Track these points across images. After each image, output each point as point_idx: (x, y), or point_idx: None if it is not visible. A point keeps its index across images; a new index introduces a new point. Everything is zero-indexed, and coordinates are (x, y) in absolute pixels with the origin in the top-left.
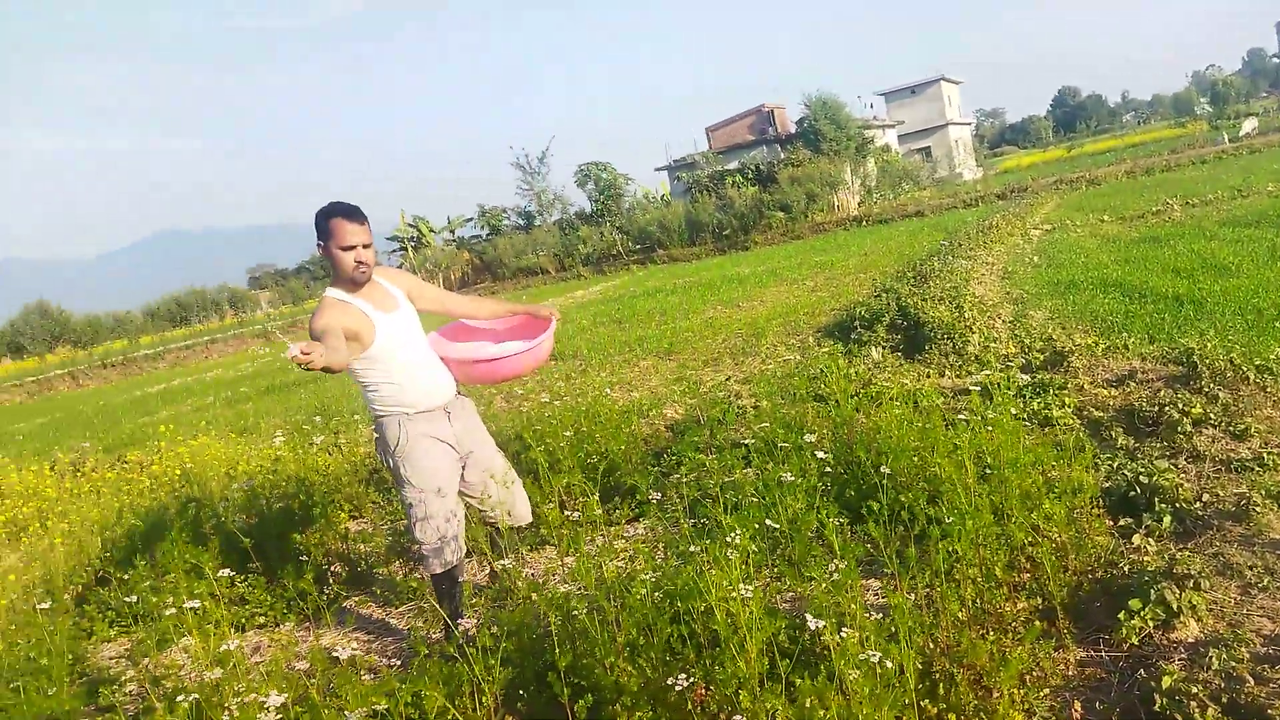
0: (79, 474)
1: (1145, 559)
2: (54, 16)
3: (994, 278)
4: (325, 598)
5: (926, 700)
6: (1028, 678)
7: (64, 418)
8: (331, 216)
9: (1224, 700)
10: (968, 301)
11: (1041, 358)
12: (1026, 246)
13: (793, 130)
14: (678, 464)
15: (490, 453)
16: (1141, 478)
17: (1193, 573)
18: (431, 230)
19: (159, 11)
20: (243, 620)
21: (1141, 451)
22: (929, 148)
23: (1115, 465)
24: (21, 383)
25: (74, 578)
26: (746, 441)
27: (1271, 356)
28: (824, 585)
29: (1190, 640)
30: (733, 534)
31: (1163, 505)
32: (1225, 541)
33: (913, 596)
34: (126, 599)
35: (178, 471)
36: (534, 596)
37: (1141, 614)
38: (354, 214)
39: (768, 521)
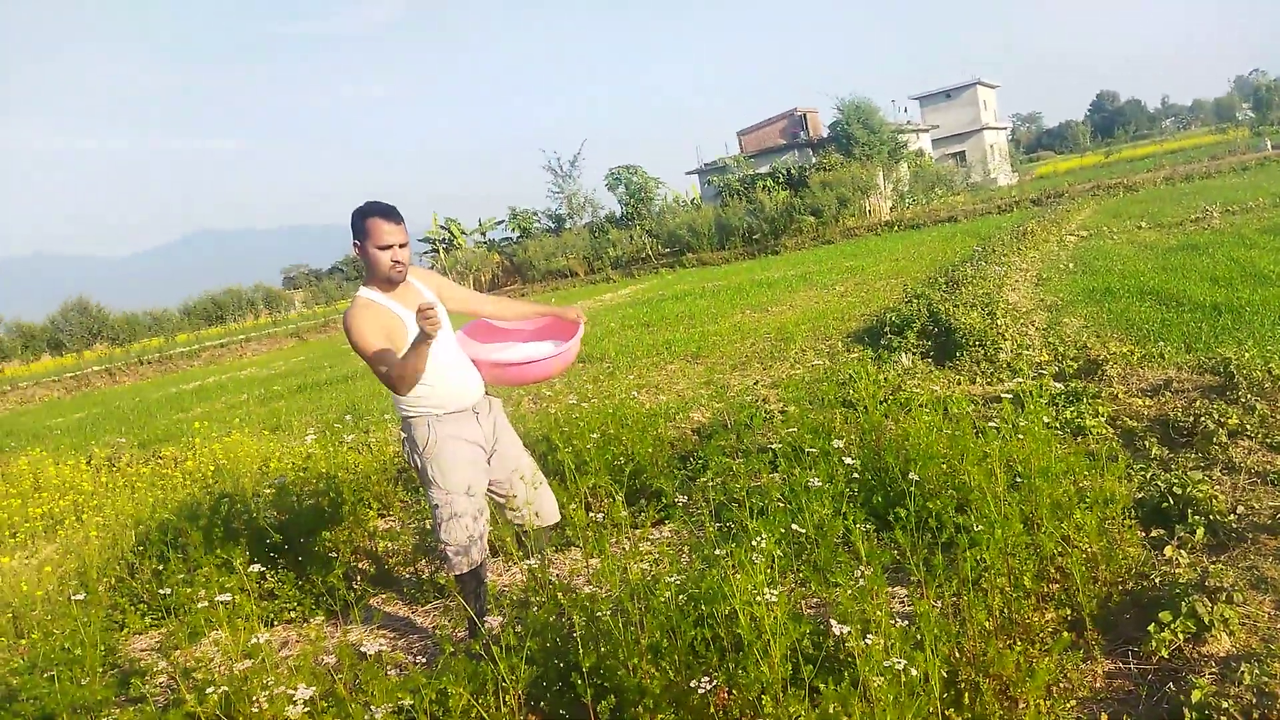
0: (114, 469)
1: (1177, 571)
2: (92, 14)
3: (1028, 284)
4: (353, 594)
5: (951, 709)
6: (1054, 689)
7: (100, 413)
8: (369, 216)
9: (1255, 716)
10: (1000, 308)
11: (1075, 366)
12: (1062, 253)
13: (825, 134)
14: (704, 467)
15: (517, 453)
16: (1175, 489)
17: (1225, 586)
18: (463, 232)
19: (200, 14)
20: (272, 615)
21: (1176, 462)
22: (963, 152)
23: (1149, 476)
24: (60, 378)
25: (108, 570)
26: (773, 446)
27: None
28: (849, 591)
29: (1221, 654)
30: (758, 538)
31: (1196, 517)
32: (1260, 555)
33: (939, 605)
34: (159, 591)
35: (211, 468)
36: (559, 597)
37: (1172, 626)
38: (391, 214)
39: (794, 526)
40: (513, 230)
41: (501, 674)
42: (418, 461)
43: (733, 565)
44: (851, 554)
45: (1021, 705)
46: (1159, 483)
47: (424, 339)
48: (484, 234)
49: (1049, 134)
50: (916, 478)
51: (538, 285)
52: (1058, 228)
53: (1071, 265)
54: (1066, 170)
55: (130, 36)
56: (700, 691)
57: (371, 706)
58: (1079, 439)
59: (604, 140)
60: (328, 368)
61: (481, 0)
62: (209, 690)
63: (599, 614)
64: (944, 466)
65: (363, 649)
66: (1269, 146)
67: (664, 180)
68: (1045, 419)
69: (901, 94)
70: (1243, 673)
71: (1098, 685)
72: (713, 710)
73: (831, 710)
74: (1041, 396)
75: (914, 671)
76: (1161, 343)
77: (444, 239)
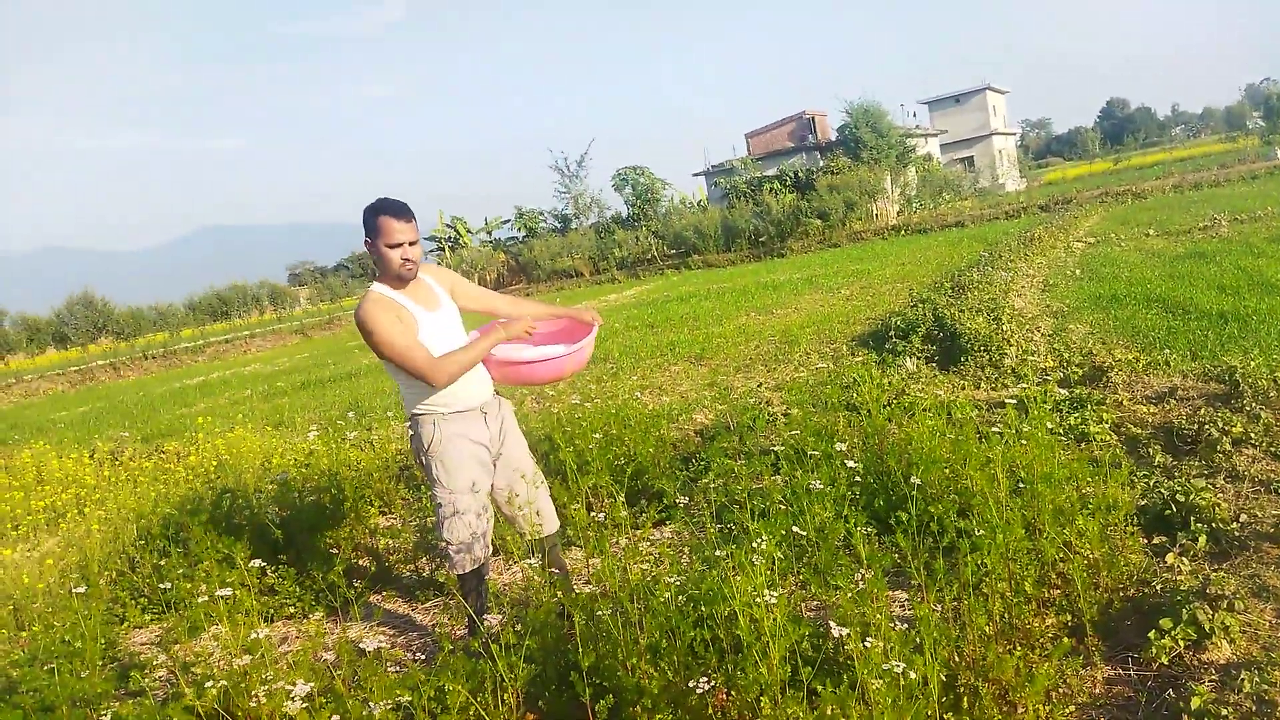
0: (117, 463)
1: (1179, 578)
2: (99, 12)
3: (1034, 290)
4: (353, 591)
5: (950, 713)
6: (1054, 694)
7: (104, 407)
8: (380, 214)
9: None
10: (1006, 313)
11: (1080, 372)
12: (1069, 259)
13: (833, 138)
14: (706, 469)
15: (522, 455)
16: (1178, 496)
17: (1227, 593)
18: (469, 231)
19: (204, 14)
20: (272, 610)
21: (1179, 470)
22: (972, 157)
23: (1152, 483)
24: (64, 372)
25: (109, 564)
26: (776, 448)
27: None
28: (849, 594)
29: (1222, 662)
30: (759, 540)
31: (1199, 524)
32: (1262, 563)
33: (939, 609)
34: (160, 586)
35: (213, 463)
36: (559, 595)
37: (1172, 633)
38: (401, 211)
39: (795, 529)
40: (519, 230)
41: (500, 672)
42: (423, 460)
43: (733, 567)
44: (852, 557)
45: (1021, 710)
46: (1162, 490)
47: (495, 343)
48: (490, 233)
49: (1058, 140)
50: (919, 482)
51: (543, 285)
52: (1065, 234)
53: (1078, 272)
54: (1075, 177)
55: (137, 35)
56: (699, 692)
57: (370, 703)
58: (1082, 445)
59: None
60: (331, 365)
61: (482, 0)
62: (208, 685)
63: (599, 613)
64: (946, 471)
65: (362, 646)
66: (1279, 155)
67: (671, 182)
68: (1049, 425)
69: (911, 98)
70: (1243, 680)
71: (1097, 691)
72: (711, 711)
73: (830, 712)
74: (1045, 402)
75: (913, 675)
76: (1167, 350)
77: (450, 238)
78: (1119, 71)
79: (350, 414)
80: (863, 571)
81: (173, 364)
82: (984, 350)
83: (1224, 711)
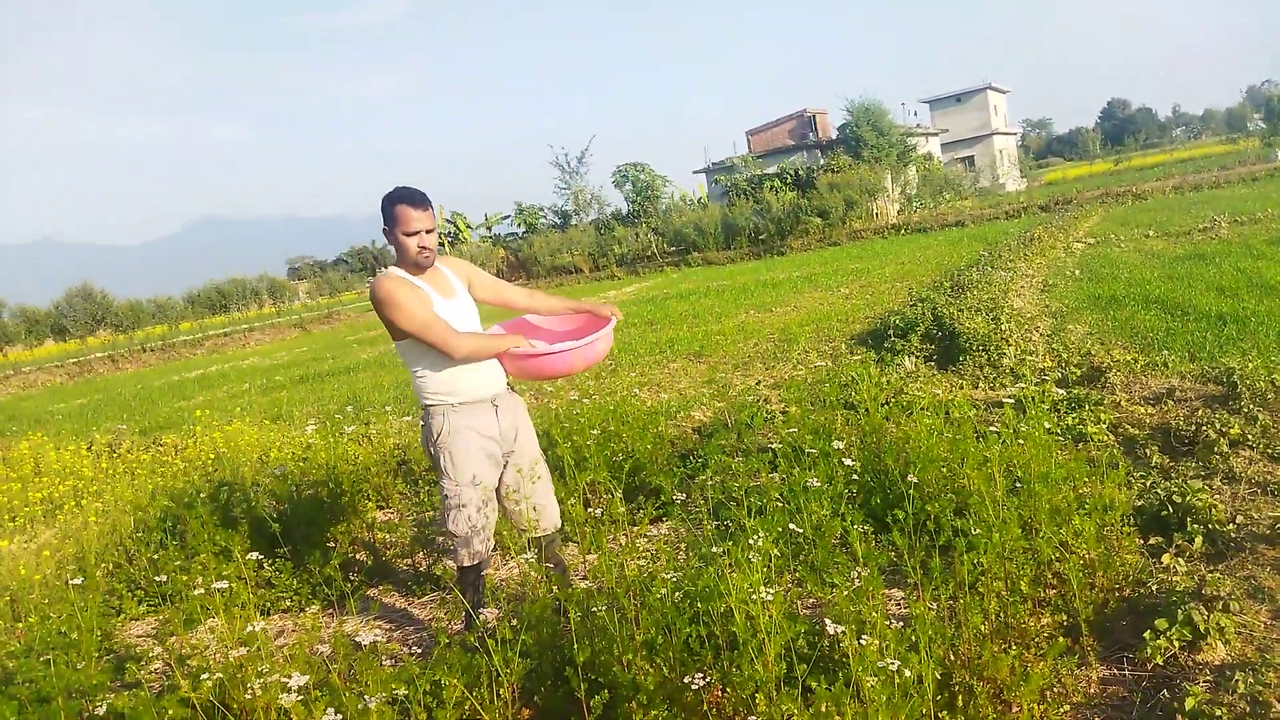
0: (115, 455)
1: (1174, 579)
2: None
3: (1033, 290)
4: (350, 585)
5: (944, 711)
6: (1048, 694)
7: (102, 400)
8: (397, 202)
9: None
10: (1005, 313)
11: (1078, 372)
12: (1068, 260)
13: (834, 136)
14: (703, 466)
15: (531, 450)
16: (1175, 497)
17: (1222, 595)
18: (469, 226)
19: (206, 5)
20: (268, 604)
21: (1176, 471)
22: (972, 157)
23: (1149, 483)
24: (63, 364)
25: (106, 556)
26: (774, 446)
27: None
28: (846, 592)
29: (1216, 663)
30: (755, 537)
31: (1195, 525)
32: (1258, 565)
33: (935, 607)
34: (156, 578)
35: (211, 456)
36: (555, 591)
37: (1168, 634)
38: (419, 200)
39: (791, 526)
40: (518, 225)
41: (496, 667)
42: (431, 451)
43: (729, 564)
44: (849, 555)
45: (1015, 709)
46: (1159, 491)
47: (515, 344)
48: (490, 229)
49: (1059, 140)
50: (916, 480)
51: (542, 281)
52: (1065, 234)
53: (1078, 272)
54: (1075, 177)
55: (138, 25)
56: (694, 688)
57: (365, 696)
58: (1080, 445)
59: (609, 140)
60: (330, 359)
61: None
62: (204, 677)
63: (595, 609)
64: (944, 470)
65: (358, 639)
66: (1279, 158)
67: (671, 179)
68: (1046, 425)
69: (912, 97)
70: (1237, 681)
71: (1092, 691)
72: (706, 707)
73: (824, 709)
74: (1043, 402)
75: (908, 673)
76: (1165, 351)
77: (450, 233)
78: (1120, 72)
79: (348, 408)
80: (859, 569)
81: (171, 357)
82: (982, 350)
83: (1218, 712)
